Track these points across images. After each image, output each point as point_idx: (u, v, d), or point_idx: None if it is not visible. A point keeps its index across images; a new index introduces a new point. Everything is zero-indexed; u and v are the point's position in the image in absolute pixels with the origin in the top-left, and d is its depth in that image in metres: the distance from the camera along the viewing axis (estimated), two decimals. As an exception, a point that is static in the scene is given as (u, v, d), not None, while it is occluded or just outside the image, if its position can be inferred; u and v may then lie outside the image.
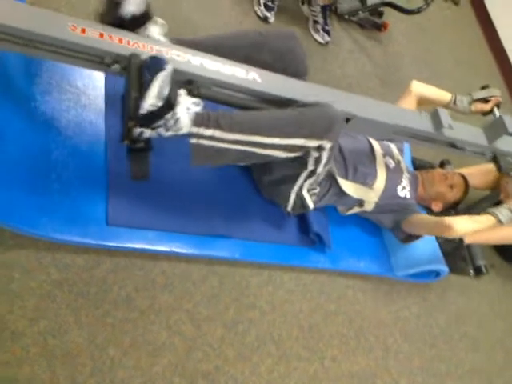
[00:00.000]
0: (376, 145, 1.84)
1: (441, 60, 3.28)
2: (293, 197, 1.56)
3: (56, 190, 1.29)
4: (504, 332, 2.21)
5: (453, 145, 1.65)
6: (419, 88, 1.89)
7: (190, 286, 1.44)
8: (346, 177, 1.70)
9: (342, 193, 1.69)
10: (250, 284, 1.56)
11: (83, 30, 1.15)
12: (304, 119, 1.30)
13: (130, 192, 1.39)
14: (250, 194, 1.66)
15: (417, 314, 1.95)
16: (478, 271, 2.11)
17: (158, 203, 1.43)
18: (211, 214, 1.52)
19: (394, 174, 1.82)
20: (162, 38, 1.33)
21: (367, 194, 1.75)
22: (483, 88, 1.87)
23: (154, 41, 1.26)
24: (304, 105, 1.34)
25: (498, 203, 2.10)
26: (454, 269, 2.01)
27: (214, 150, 1.26)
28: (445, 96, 1.87)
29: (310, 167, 1.44)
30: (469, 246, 2.09)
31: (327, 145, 1.36)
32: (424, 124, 1.58)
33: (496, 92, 1.84)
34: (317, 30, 2.50)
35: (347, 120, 1.47)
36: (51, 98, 1.41)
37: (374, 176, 1.76)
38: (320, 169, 1.45)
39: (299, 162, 1.43)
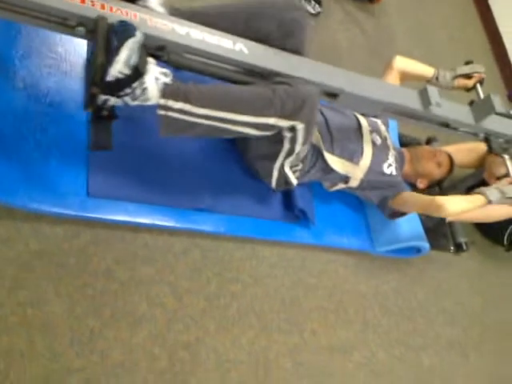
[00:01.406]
0: (363, 121, 1.82)
1: (433, 34, 3.24)
2: (275, 173, 1.55)
3: (35, 158, 1.27)
4: (482, 308, 2.27)
5: (446, 124, 1.63)
6: (401, 63, 1.87)
7: (172, 259, 1.43)
8: (332, 152, 1.69)
9: (327, 168, 1.68)
10: (233, 258, 1.56)
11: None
12: (275, 98, 1.26)
13: (111, 162, 1.37)
14: (236, 168, 1.64)
15: (396, 288, 1.98)
16: (459, 248, 2.13)
17: (141, 175, 1.41)
18: (195, 188, 1.50)
19: (380, 151, 1.82)
20: (161, 9, 1.28)
21: (353, 171, 1.74)
22: (467, 63, 1.85)
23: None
24: (279, 82, 1.30)
25: (482, 181, 2.13)
26: (434, 245, 2.03)
27: (183, 123, 1.22)
28: (428, 71, 1.85)
29: (287, 145, 1.42)
30: (450, 223, 2.11)
31: (299, 125, 1.33)
32: (412, 101, 1.56)
33: (480, 68, 1.82)
34: (308, 1, 2.44)
35: (335, 95, 1.45)
36: (30, 64, 1.36)
37: (360, 153, 1.75)
38: (298, 147, 1.42)
39: (275, 141, 1.41)
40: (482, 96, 1.78)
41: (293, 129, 1.35)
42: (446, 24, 3.41)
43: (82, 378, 1.17)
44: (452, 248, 2.11)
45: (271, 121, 1.29)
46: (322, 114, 1.71)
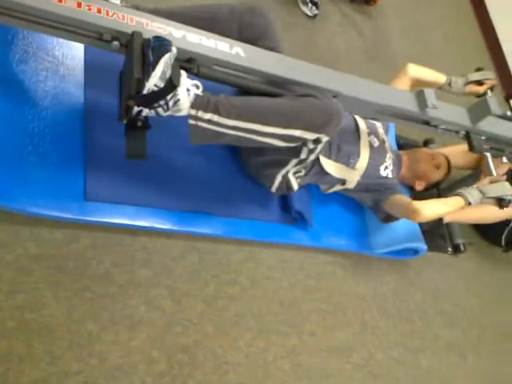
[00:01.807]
0: (362, 123, 1.83)
1: (429, 35, 3.25)
2: (279, 179, 1.57)
3: (33, 162, 1.27)
4: (480, 309, 2.27)
5: (426, 122, 1.64)
6: (415, 71, 1.91)
7: (170, 262, 1.44)
8: (329, 156, 1.69)
9: (323, 172, 1.69)
10: (231, 260, 1.56)
11: (79, 4, 1.12)
12: (304, 111, 1.30)
13: (108, 166, 1.37)
14: (234, 170, 1.64)
15: (394, 290, 1.99)
16: (457, 249, 2.14)
17: (139, 178, 1.42)
18: (193, 191, 1.51)
19: (377, 154, 1.82)
20: (117, 2, 1.29)
21: (349, 174, 1.75)
22: (478, 70, 1.90)
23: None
24: (305, 95, 1.33)
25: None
26: (432, 246, 2.04)
27: (212, 133, 1.27)
28: (440, 78, 1.91)
29: (303, 156, 1.45)
30: (448, 225, 2.12)
31: (324, 138, 1.37)
32: (408, 103, 1.57)
33: (490, 75, 1.89)
34: (305, 3, 2.45)
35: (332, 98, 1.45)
36: (27, 68, 1.36)
37: (357, 155, 1.75)
38: (312, 157, 1.46)
39: (293, 151, 1.44)
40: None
41: (316, 141, 1.38)
42: (441, 23, 3.42)
43: (81, 381, 1.17)
44: (450, 249, 2.13)
45: (297, 133, 1.32)
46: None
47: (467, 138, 1.70)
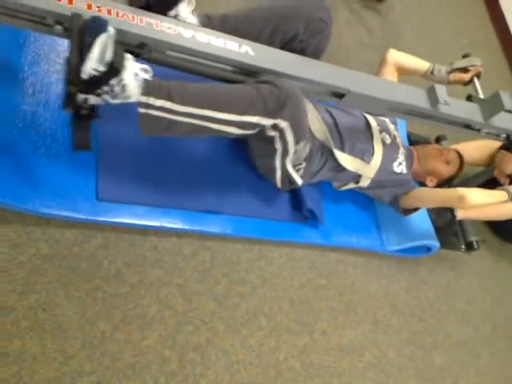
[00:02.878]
0: (372, 121, 1.82)
1: (439, 31, 3.22)
2: (278, 172, 1.55)
3: (45, 163, 1.28)
4: (492, 306, 2.25)
5: (468, 126, 1.62)
6: (395, 56, 1.83)
7: (181, 261, 1.44)
8: (343, 150, 1.68)
9: (339, 167, 1.68)
10: (241, 259, 1.56)
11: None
12: (259, 96, 1.27)
13: (120, 167, 1.38)
14: (244, 169, 1.64)
15: (406, 288, 1.97)
16: (470, 247, 2.12)
17: (149, 178, 1.42)
18: (203, 190, 1.51)
19: (390, 150, 1.81)
20: (193, 18, 1.29)
21: (364, 169, 1.74)
22: (464, 57, 1.79)
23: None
24: (263, 81, 1.30)
25: (493, 179, 2.12)
26: (445, 244, 2.02)
27: (164, 122, 1.21)
28: (423, 65, 1.81)
29: (279, 146, 1.42)
30: (461, 222, 2.10)
31: (282, 123, 1.33)
32: (419, 100, 1.56)
33: (477, 61, 1.76)
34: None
35: (341, 95, 1.45)
36: (39, 70, 1.38)
37: (372, 153, 1.74)
38: (291, 147, 1.42)
39: (266, 142, 1.42)
40: (479, 90, 1.74)
41: (276, 127, 1.34)
42: (451, 20, 3.39)
43: (94, 380, 1.18)
44: (463, 247, 2.10)
45: (253, 119, 1.29)
46: (330, 115, 1.70)
47: (508, 140, 1.70)
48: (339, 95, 1.44)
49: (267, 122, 1.32)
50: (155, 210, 1.40)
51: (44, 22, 1.11)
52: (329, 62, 1.47)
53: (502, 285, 2.36)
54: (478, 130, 1.65)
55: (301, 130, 1.40)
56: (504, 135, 1.70)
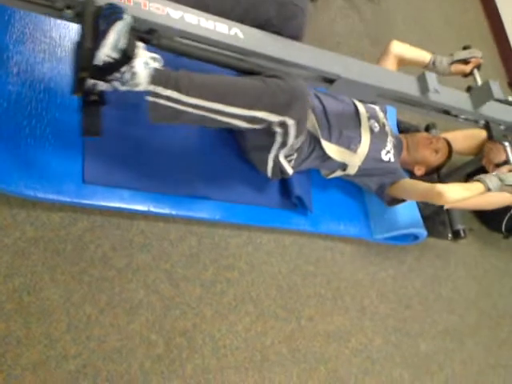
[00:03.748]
0: (361, 107, 1.81)
1: (432, 20, 3.21)
2: (270, 163, 1.55)
3: (30, 145, 1.26)
4: (478, 294, 2.27)
5: (447, 111, 1.62)
6: (398, 48, 1.84)
7: (168, 246, 1.43)
8: (329, 140, 1.68)
9: (325, 156, 1.68)
10: (230, 245, 1.56)
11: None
12: (266, 91, 1.26)
13: (107, 149, 1.37)
14: (233, 155, 1.63)
15: (393, 275, 1.99)
16: (457, 235, 2.14)
17: (137, 162, 1.41)
18: (192, 175, 1.50)
19: (378, 138, 1.81)
20: None
21: (351, 158, 1.74)
22: (465, 48, 1.81)
23: None
24: (272, 76, 1.29)
25: (481, 168, 2.13)
26: (432, 232, 2.03)
27: (172, 111, 1.22)
28: (424, 56, 1.82)
29: (279, 139, 1.42)
30: (448, 210, 2.11)
31: (289, 121, 1.34)
32: (409, 87, 1.55)
33: (477, 53, 1.78)
34: (306, -15, 2.41)
35: (331, 81, 1.43)
36: (25, 49, 1.35)
37: (359, 140, 1.74)
38: (290, 141, 1.43)
39: (267, 134, 1.41)
40: (479, 82, 1.76)
41: (283, 124, 1.35)
42: (444, 8, 3.38)
43: (79, 364, 1.18)
44: (450, 235, 2.12)
45: (261, 115, 1.29)
46: (320, 100, 1.69)
47: (486, 127, 1.68)
48: (329, 80, 1.43)
49: (275, 118, 1.32)
50: (142, 194, 1.39)
51: (54, 5, 1.10)
52: (319, 47, 1.45)
53: (489, 273, 2.39)
54: (456, 116, 1.64)
55: (303, 127, 1.41)
56: (482, 122, 1.69)
